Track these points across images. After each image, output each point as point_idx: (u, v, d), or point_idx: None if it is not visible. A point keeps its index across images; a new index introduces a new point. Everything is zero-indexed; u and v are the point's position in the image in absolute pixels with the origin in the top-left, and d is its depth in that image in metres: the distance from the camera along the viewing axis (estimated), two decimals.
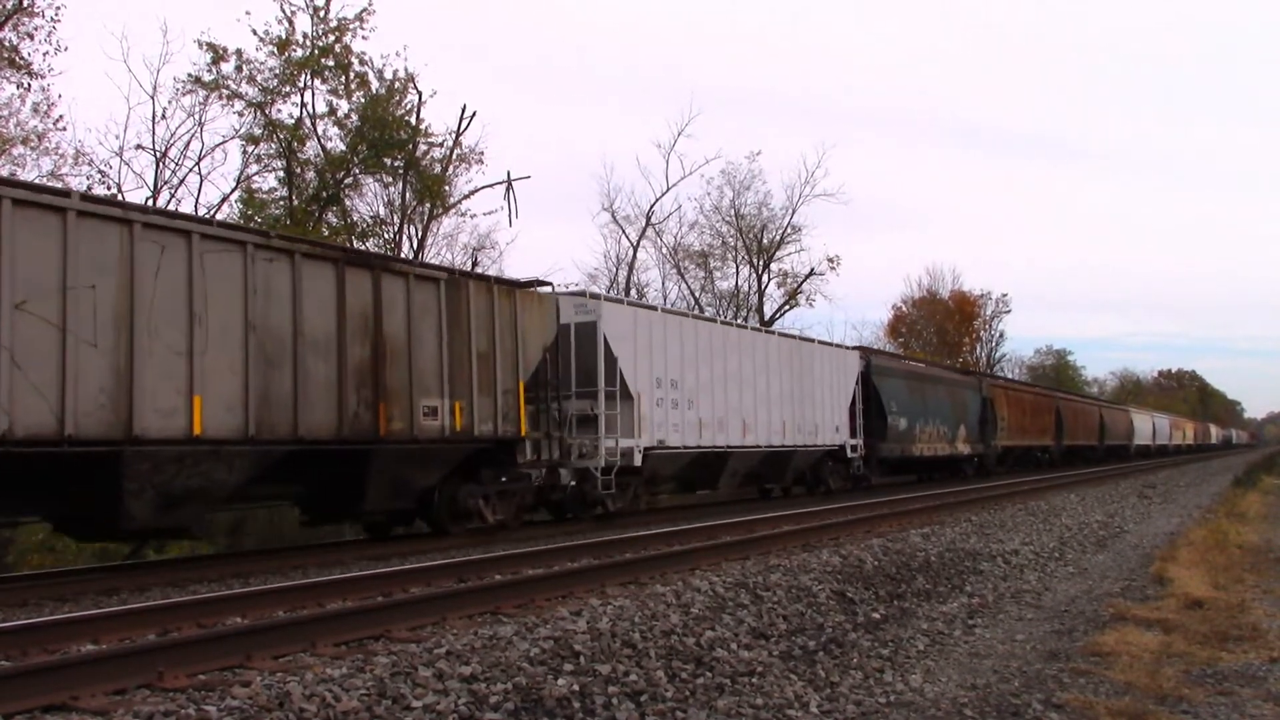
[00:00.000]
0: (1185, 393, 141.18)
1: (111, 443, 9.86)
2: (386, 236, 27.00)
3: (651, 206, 38.78)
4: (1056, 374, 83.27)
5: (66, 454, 9.56)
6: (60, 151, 22.92)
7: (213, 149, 24.67)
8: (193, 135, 24.28)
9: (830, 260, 41.00)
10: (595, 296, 17.87)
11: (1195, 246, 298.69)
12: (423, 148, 26.51)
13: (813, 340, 25.24)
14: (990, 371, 59.87)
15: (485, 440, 14.26)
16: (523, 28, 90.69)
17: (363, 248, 22.30)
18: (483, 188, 28.01)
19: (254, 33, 23.54)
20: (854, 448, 25.82)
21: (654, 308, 20.03)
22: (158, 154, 23.95)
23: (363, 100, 24.85)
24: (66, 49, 21.87)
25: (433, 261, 24.61)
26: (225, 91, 23.73)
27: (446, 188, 27.51)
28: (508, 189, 26.47)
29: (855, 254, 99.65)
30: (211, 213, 22.92)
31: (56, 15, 21.47)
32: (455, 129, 26.86)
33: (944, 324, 64.55)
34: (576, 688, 5.72)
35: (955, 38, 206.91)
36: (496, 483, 14.97)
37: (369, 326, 12.64)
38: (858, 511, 17.64)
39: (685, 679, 6.22)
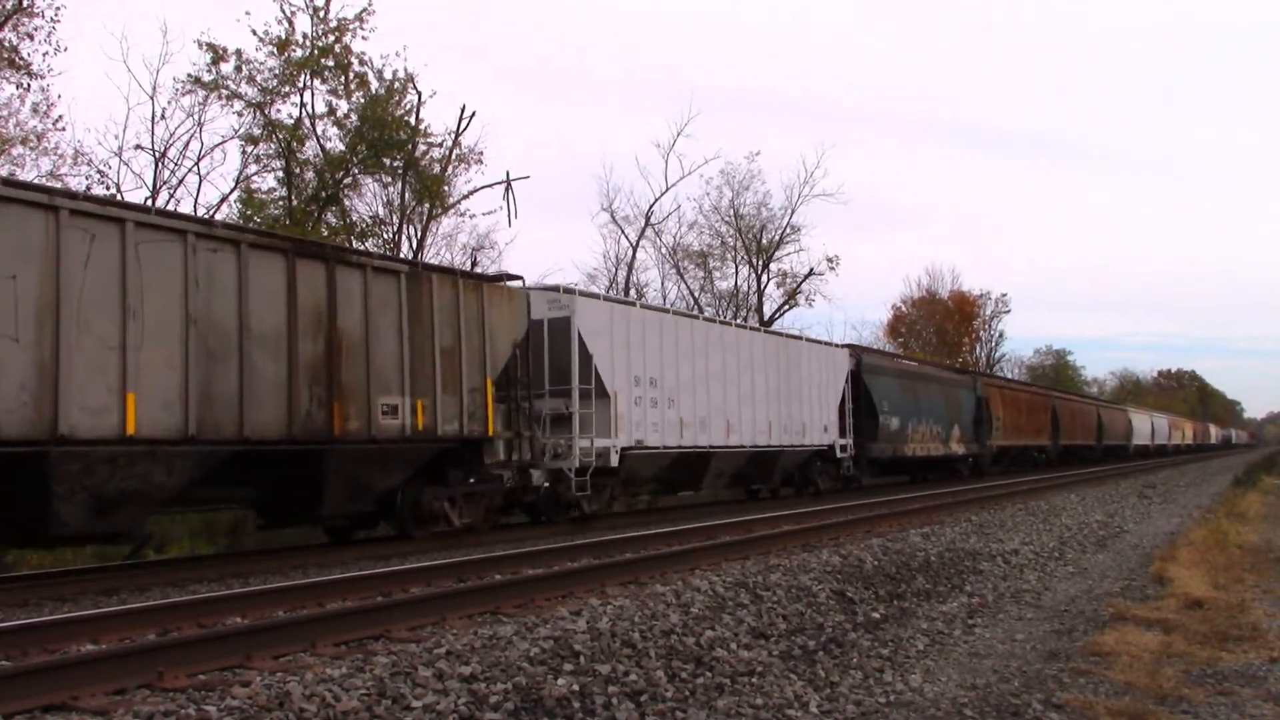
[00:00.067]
0: (1185, 393, 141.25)
1: (35, 443, 9.32)
2: (386, 237, 27.05)
3: (651, 206, 38.81)
4: (1056, 374, 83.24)
5: None
6: (59, 152, 22.99)
7: (212, 149, 24.77)
8: (192, 135, 24.37)
9: (829, 260, 41.06)
10: (569, 291, 17.17)
11: (1195, 246, 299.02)
12: (422, 148, 26.53)
13: (800, 338, 24.67)
14: (989, 371, 59.90)
15: (450, 440, 13.75)
16: (522, 28, 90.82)
17: (362, 248, 22.25)
18: (482, 188, 28.05)
19: (253, 33, 23.58)
20: (844, 448, 25.25)
21: (632, 303, 19.53)
22: (157, 154, 24.02)
23: (362, 100, 24.85)
24: (66, 49, 21.91)
25: (432, 261, 24.63)
26: (225, 92, 23.76)
27: (446, 188, 27.54)
28: (507, 189, 26.48)
29: (855, 254, 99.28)
30: (211, 213, 22.95)
31: (56, 15, 21.54)
32: (455, 129, 26.92)
33: (943, 324, 64.60)
34: (576, 688, 5.72)
35: (955, 38, 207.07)
36: (464, 484, 14.47)
37: (323, 321, 12.08)
38: (857, 511, 17.64)
39: (685, 679, 6.22)
